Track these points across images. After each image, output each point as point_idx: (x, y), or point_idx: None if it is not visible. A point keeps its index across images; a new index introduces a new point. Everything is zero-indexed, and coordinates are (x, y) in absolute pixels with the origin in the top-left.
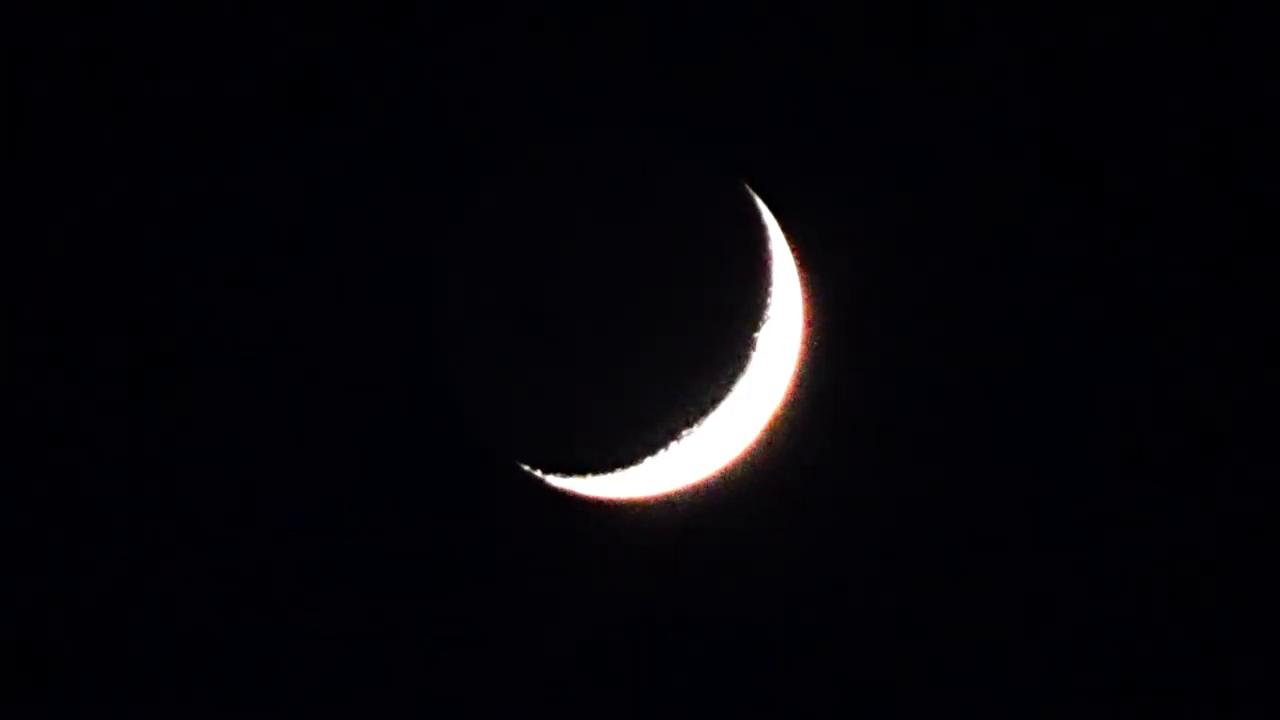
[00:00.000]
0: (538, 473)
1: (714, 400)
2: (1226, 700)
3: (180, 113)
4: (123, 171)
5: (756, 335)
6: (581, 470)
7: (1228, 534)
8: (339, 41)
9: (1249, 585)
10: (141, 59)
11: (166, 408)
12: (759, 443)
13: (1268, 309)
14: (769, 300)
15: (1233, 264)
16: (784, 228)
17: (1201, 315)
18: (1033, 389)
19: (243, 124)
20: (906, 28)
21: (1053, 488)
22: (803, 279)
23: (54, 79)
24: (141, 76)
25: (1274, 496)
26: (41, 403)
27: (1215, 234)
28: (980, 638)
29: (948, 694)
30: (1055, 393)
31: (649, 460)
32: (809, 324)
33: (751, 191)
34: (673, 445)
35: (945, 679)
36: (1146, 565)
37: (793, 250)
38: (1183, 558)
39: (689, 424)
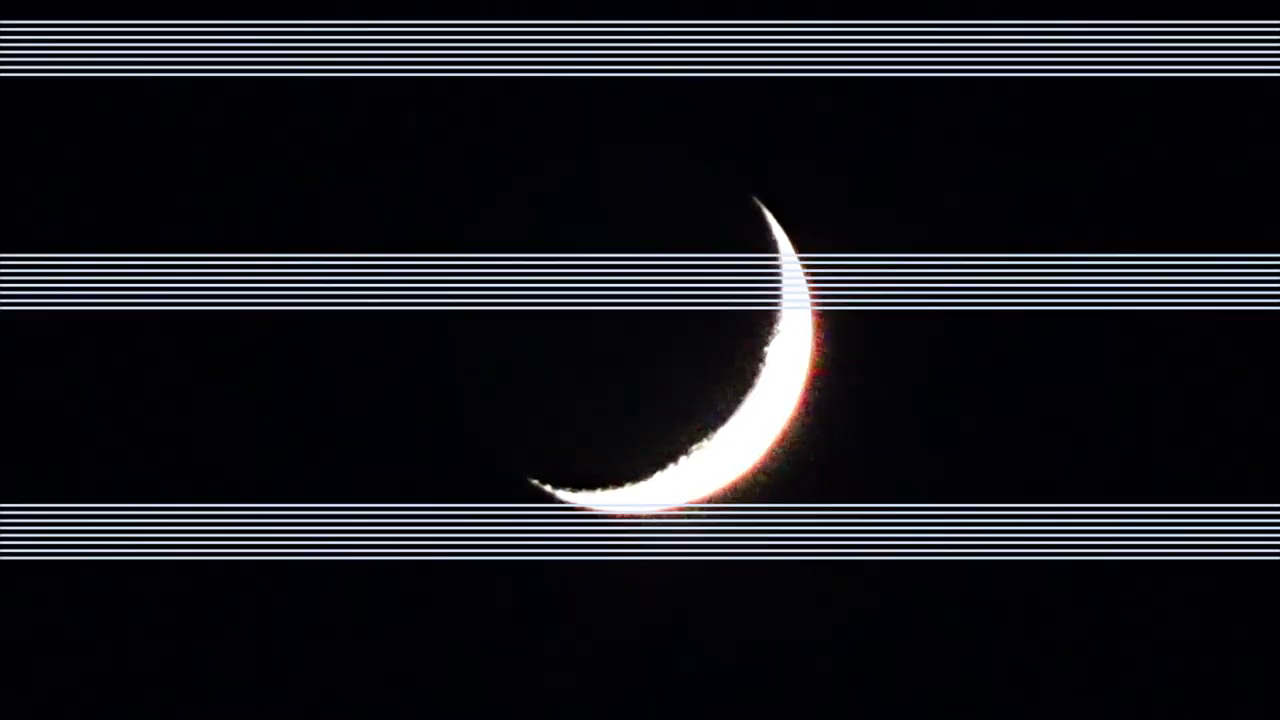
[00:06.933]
0: (547, 487)
1: (724, 414)
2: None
3: (190, 115)
4: (129, 171)
5: (766, 349)
6: (591, 484)
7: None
8: (349, 48)
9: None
10: (160, 60)
11: (172, 414)
12: (769, 457)
13: (1274, 310)
14: (779, 315)
15: (1243, 266)
16: (794, 241)
17: (1217, 322)
18: (1045, 401)
19: (252, 127)
20: (916, 39)
21: (1067, 499)
22: (812, 292)
23: (58, 75)
24: (155, 75)
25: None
26: (44, 404)
27: (1225, 237)
28: (992, 649)
29: (958, 707)
30: (1068, 404)
31: (659, 474)
32: (819, 338)
33: (761, 205)
34: (683, 459)
35: (957, 693)
36: (1164, 577)
37: (802, 264)
38: (1206, 567)
39: (699, 438)
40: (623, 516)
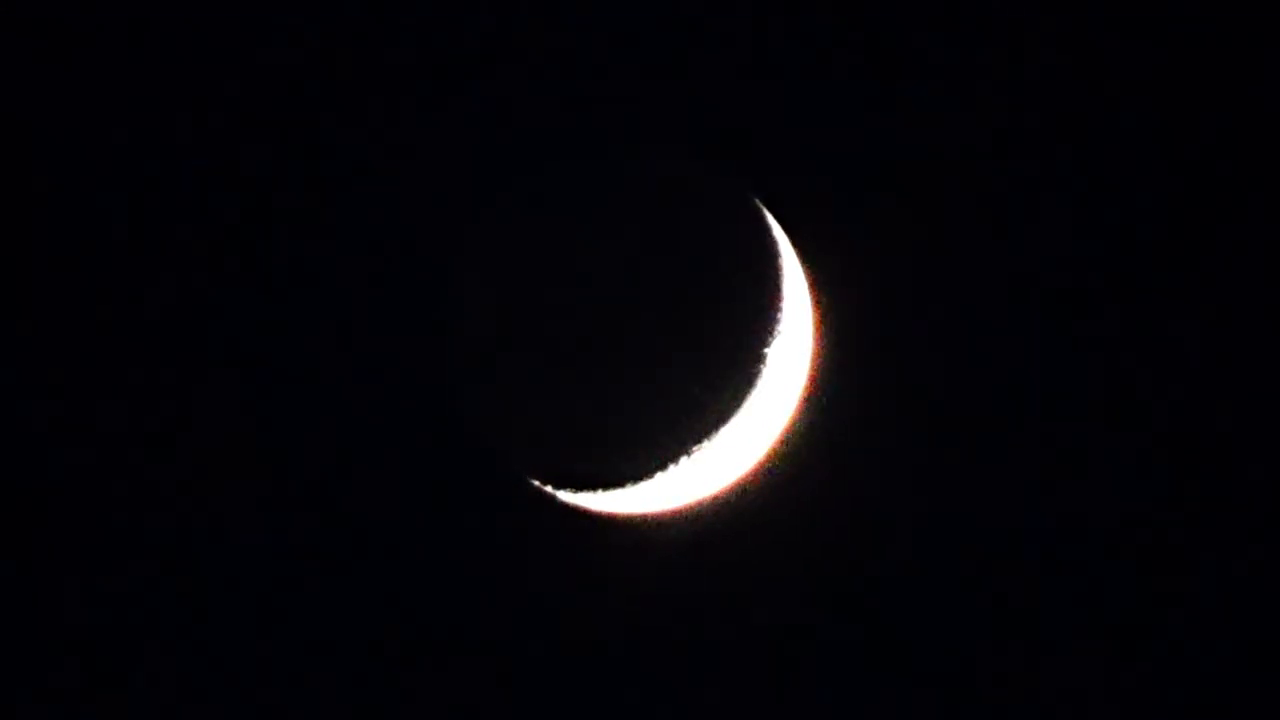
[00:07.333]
0: (548, 488)
1: (725, 416)
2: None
3: (192, 116)
4: (134, 172)
5: (767, 351)
6: (592, 486)
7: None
8: (354, 49)
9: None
10: (158, 61)
11: (174, 416)
12: (770, 458)
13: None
14: (780, 316)
15: (1251, 269)
16: (795, 243)
17: (1225, 326)
18: (1047, 405)
19: (255, 131)
20: (921, 45)
21: (1069, 502)
22: (813, 294)
23: (61, 75)
24: (158, 78)
25: None
26: (48, 407)
27: (1231, 241)
28: (992, 650)
29: (959, 705)
30: (1071, 408)
31: (660, 476)
32: (820, 340)
33: (762, 207)
34: (683, 460)
35: (958, 691)
36: (1164, 577)
37: (804, 266)
38: (1213, 574)
39: (700, 439)
40: (623, 517)
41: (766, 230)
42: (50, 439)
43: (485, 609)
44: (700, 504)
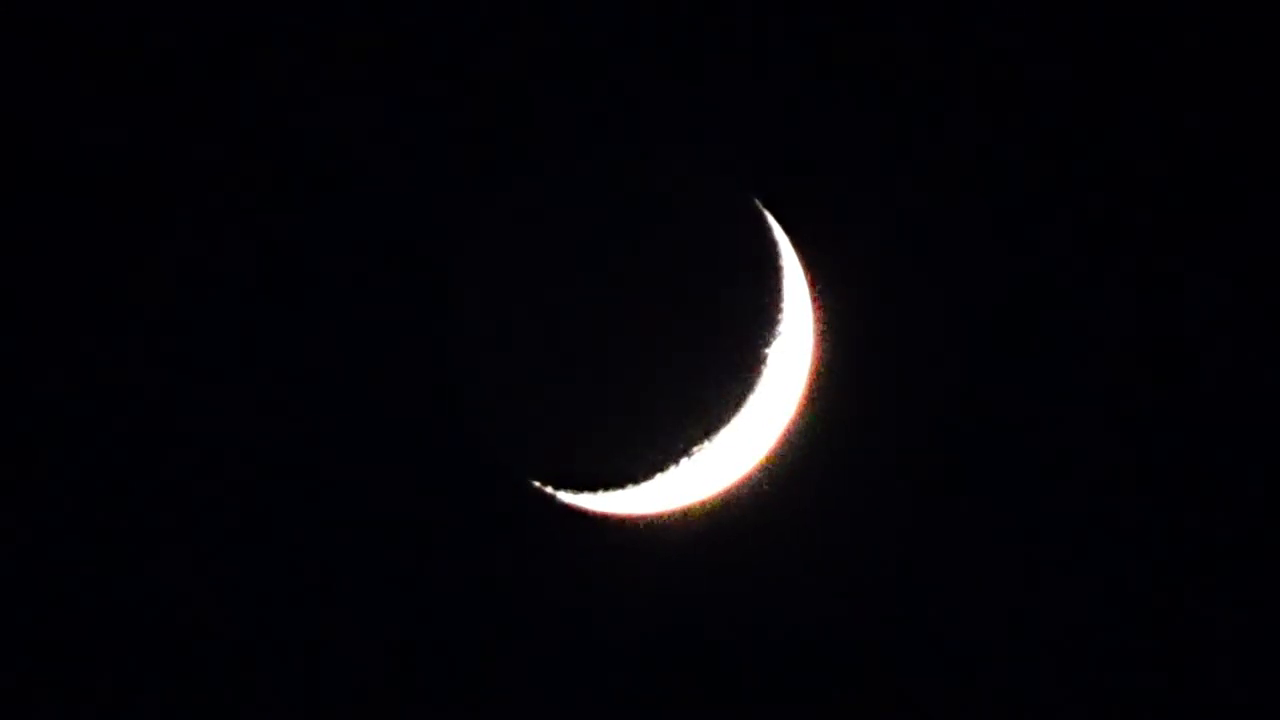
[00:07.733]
0: (549, 489)
1: (725, 416)
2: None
3: (192, 117)
4: (134, 173)
5: (768, 351)
6: (593, 486)
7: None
8: (354, 48)
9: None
10: (158, 62)
11: (174, 416)
12: (770, 459)
13: None
14: (780, 316)
15: (1252, 268)
16: (795, 244)
17: (1228, 331)
18: (1046, 406)
19: (255, 131)
20: (920, 45)
21: (1066, 504)
22: (814, 295)
23: (60, 83)
24: (156, 83)
25: None
26: (46, 407)
27: (1234, 244)
28: (991, 651)
29: (959, 705)
30: (1070, 409)
31: (660, 476)
32: (820, 340)
33: (763, 208)
34: (684, 461)
35: (956, 691)
36: (1164, 577)
37: (804, 266)
38: (1208, 581)
39: (700, 440)
40: (623, 518)
41: (766, 230)
42: (49, 439)
43: (485, 609)
44: (700, 504)
